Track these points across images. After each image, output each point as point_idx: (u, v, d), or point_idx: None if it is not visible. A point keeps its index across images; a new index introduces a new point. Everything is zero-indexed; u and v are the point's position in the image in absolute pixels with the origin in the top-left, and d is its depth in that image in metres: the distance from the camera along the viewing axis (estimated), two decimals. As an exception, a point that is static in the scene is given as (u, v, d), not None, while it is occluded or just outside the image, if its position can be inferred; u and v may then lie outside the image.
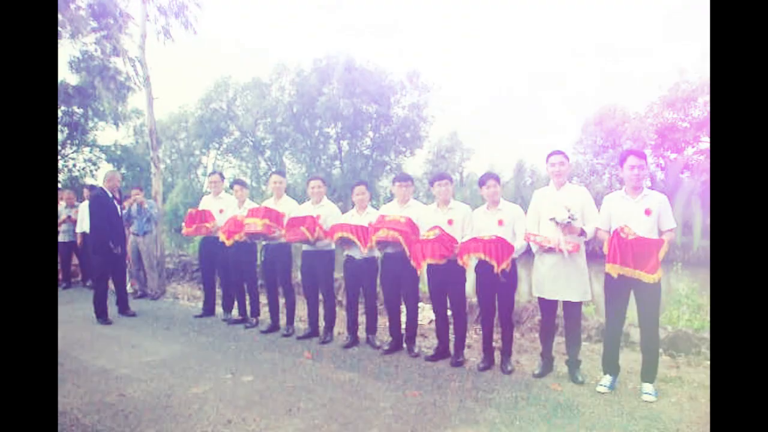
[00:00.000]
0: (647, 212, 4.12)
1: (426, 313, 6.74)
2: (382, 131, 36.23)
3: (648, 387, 4.16)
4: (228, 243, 6.15)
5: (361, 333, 5.82)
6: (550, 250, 4.37)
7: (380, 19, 75.64)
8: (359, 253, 5.40)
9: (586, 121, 27.31)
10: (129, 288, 8.96)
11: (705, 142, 22.89)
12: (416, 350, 5.31)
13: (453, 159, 35.78)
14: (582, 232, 4.35)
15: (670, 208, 4.20)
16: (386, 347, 5.41)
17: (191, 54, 67.22)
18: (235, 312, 6.87)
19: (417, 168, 35.96)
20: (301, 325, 6.46)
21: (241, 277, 6.57)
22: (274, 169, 36.95)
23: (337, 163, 37.14)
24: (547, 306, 4.63)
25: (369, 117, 35.57)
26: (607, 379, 4.36)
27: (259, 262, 6.51)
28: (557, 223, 4.29)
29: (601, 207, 4.37)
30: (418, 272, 4.91)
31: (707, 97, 22.18)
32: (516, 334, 6.17)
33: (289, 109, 36.00)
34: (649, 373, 4.21)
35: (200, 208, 7.00)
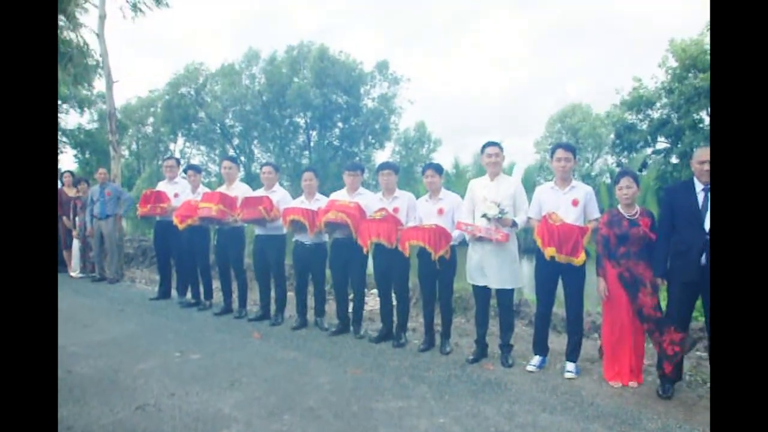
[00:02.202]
0: (575, 203, 4.40)
1: (377, 300, 6.96)
2: (352, 122, 36.33)
3: (570, 365, 4.45)
4: (181, 227, 6.23)
5: (311, 316, 6.01)
6: (482, 238, 4.57)
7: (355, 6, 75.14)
8: (309, 238, 5.58)
9: (550, 119, 27.90)
10: (78, 272, 8.96)
11: (662, 142, 23.60)
12: (362, 332, 5.52)
13: (420, 150, 36.17)
14: (514, 224, 4.59)
15: (595, 199, 4.50)
16: (333, 329, 5.61)
17: (159, 38, 66.15)
18: (189, 295, 6.98)
19: (387, 159, 36.24)
20: (254, 308, 6.61)
21: (194, 260, 6.68)
22: (243, 158, 36.90)
23: (306, 153, 37.10)
24: (480, 293, 4.83)
25: (339, 108, 35.61)
26: (536, 359, 4.64)
27: (212, 245, 6.64)
28: (489, 218, 4.49)
29: (532, 197, 4.64)
30: (365, 250, 5.09)
31: (666, 100, 22.90)
32: (461, 319, 6.46)
33: (258, 97, 35.78)
34: (573, 352, 4.51)
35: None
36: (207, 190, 6.54)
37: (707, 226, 3.73)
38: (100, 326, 5.84)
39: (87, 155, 31.69)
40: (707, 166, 3.77)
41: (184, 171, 7.04)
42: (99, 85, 21.76)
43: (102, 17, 9.20)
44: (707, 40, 20.55)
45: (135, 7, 9.88)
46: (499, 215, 4.44)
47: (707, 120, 20.93)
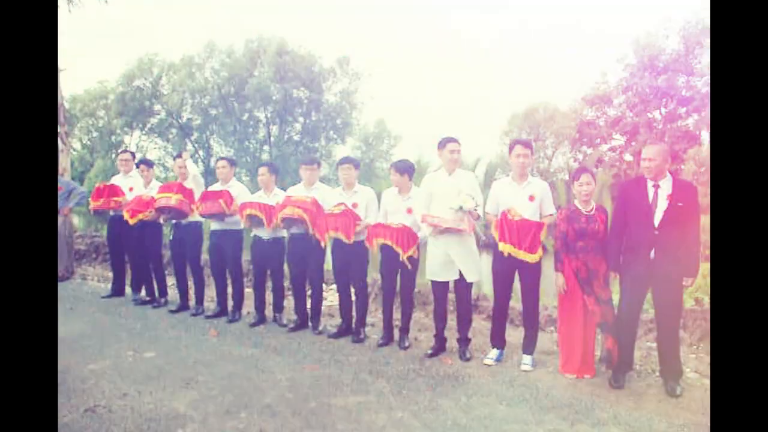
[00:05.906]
0: (531, 198, 4.46)
1: (336, 295, 6.92)
2: (313, 117, 36.02)
3: (527, 358, 4.53)
4: (131, 222, 6.07)
5: (269, 312, 5.93)
6: (445, 231, 4.51)
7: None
8: (267, 233, 5.50)
9: (514, 114, 28.32)
10: None
11: (617, 139, 24.31)
12: (320, 328, 5.49)
13: (380, 146, 36.18)
14: (478, 216, 4.62)
15: (551, 195, 4.58)
16: (292, 325, 5.56)
17: (109, 25, 64.03)
18: (144, 292, 6.78)
19: (347, 154, 36.06)
20: (212, 305, 6.48)
21: (146, 257, 6.51)
22: (201, 152, 36.18)
23: (267, 148, 36.60)
24: (439, 289, 4.84)
25: (299, 102, 35.25)
26: (494, 353, 4.70)
27: (166, 241, 6.46)
28: (464, 211, 4.43)
29: (489, 192, 4.68)
30: (323, 244, 5.05)
31: (622, 98, 23.58)
32: (420, 314, 6.48)
33: (217, 90, 35.10)
34: (528, 345, 4.59)
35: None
36: (160, 184, 6.37)
37: (657, 221, 3.87)
38: (49, 325, 5.62)
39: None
40: (647, 164, 3.94)
41: (137, 165, 6.83)
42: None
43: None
44: (666, 40, 21.22)
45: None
46: (475, 208, 4.43)
47: (662, 119, 21.62)
